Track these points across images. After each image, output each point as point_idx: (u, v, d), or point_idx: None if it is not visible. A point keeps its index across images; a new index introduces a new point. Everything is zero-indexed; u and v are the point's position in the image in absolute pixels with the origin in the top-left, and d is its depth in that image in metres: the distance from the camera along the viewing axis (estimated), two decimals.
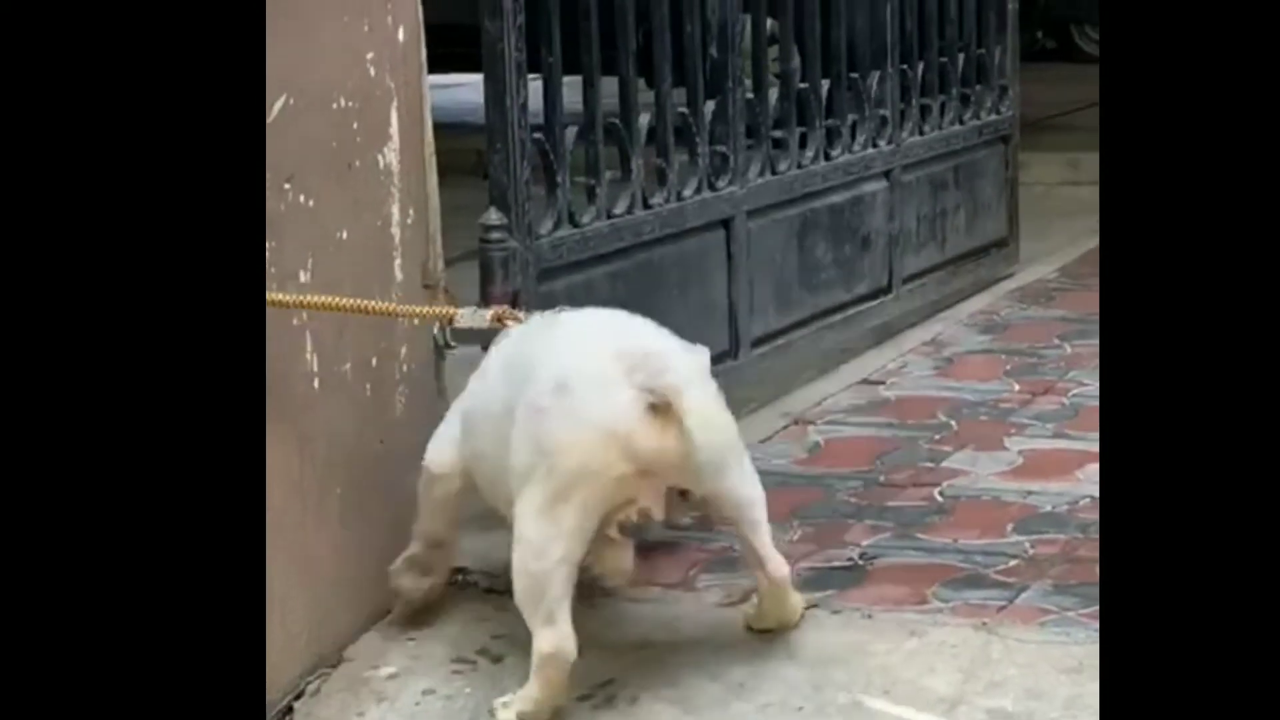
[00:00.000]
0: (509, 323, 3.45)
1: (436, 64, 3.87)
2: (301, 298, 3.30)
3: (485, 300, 3.87)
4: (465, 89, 8.93)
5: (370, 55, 3.51)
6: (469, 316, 3.54)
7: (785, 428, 4.58)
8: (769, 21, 5.02)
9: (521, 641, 3.45)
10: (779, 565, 3.31)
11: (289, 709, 3.33)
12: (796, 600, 3.39)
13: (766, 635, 3.40)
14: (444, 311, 3.53)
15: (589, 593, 3.42)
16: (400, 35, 3.59)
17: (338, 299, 3.35)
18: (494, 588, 3.63)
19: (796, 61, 5.12)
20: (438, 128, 3.86)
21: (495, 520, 3.79)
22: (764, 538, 3.28)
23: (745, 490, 3.26)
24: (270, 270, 3.26)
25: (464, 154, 6.57)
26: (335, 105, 3.42)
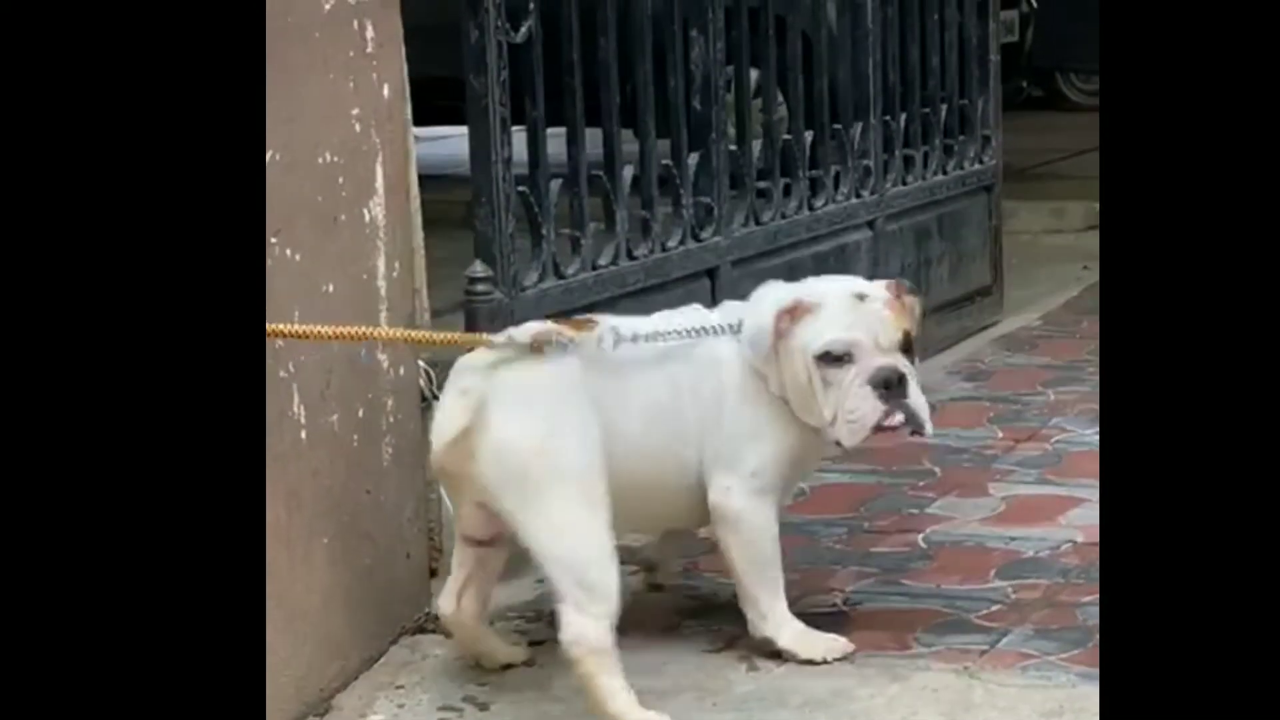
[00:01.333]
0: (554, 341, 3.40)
1: (424, 117, 3.91)
2: (305, 328, 3.30)
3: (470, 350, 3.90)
4: (453, 141, 9.00)
5: (355, 111, 3.55)
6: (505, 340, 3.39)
7: None
8: (752, 73, 5.07)
9: (507, 688, 3.50)
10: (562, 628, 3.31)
11: None
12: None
13: (754, 681, 3.43)
14: (478, 338, 3.47)
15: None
16: (385, 92, 3.64)
17: (344, 329, 3.33)
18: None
19: (780, 112, 5.17)
20: (426, 180, 3.90)
21: None
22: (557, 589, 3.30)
23: (537, 535, 3.29)
24: None
25: (452, 206, 6.60)
26: (321, 160, 3.47)
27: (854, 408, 3.39)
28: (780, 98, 5.20)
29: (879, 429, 3.45)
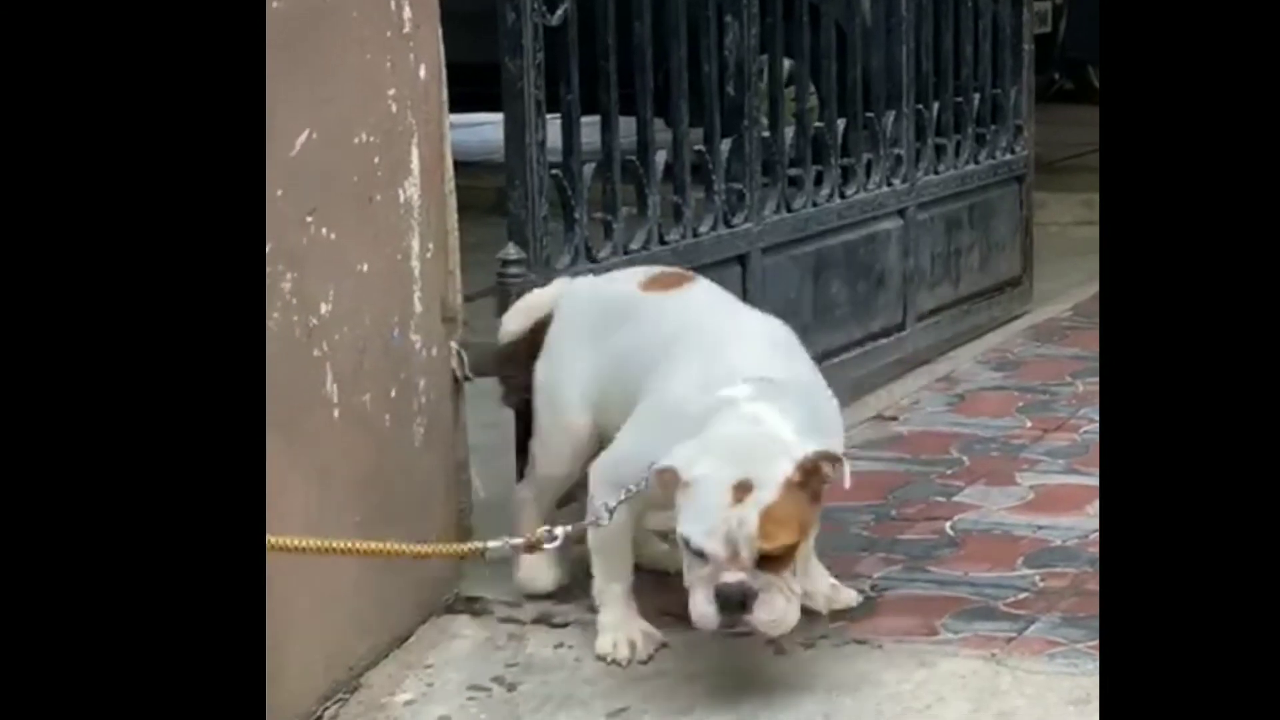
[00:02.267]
0: (545, 547, 3.43)
1: (459, 103, 3.92)
2: (305, 541, 3.18)
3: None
4: (487, 128, 9.01)
5: (392, 92, 3.57)
6: (499, 549, 3.41)
7: None
8: (786, 61, 5.07)
9: (536, 669, 3.51)
10: None
11: None
12: None
13: (780, 665, 3.44)
14: (473, 548, 3.44)
15: None
16: (422, 73, 3.65)
17: (350, 543, 3.23)
18: (510, 616, 3.68)
19: (812, 100, 5.18)
20: (460, 166, 3.92)
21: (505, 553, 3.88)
22: None
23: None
24: (292, 301, 3.31)
25: (485, 192, 6.63)
26: (357, 140, 3.48)
27: (694, 605, 3.27)
28: (812, 85, 5.20)
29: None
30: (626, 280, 3.83)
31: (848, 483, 3.32)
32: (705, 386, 3.40)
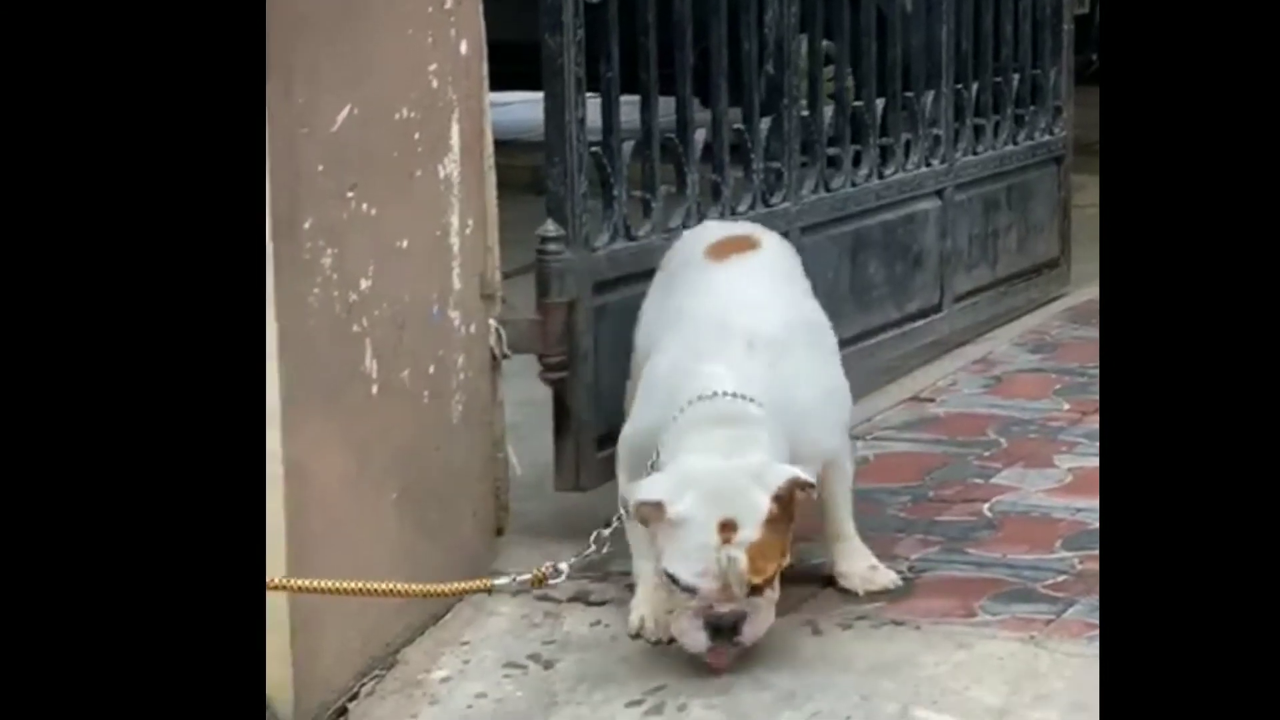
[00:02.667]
0: (550, 583, 3.46)
1: (494, 82, 3.91)
2: (310, 582, 3.20)
3: (541, 310, 3.92)
4: (521, 106, 9.01)
5: (433, 67, 3.56)
6: (508, 585, 3.44)
7: None
8: (824, 40, 5.05)
9: (572, 648, 3.51)
10: None
11: (343, 710, 3.37)
12: None
13: (818, 645, 3.44)
14: (480, 585, 3.44)
15: None
16: (463, 48, 3.64)
17: (350, 584, 3.24)
18: (547, 595, 3.67)
19: (848, 80, 5.16)
20: (494, 143, 3.91)
21: (541, 530, 3.88)
22: None
23: None
24: (332, 277, 3.31)
25: (519, 170, 6.62)
26: (398, 116, 3.48)
27: (682, 631, 3.33)
28: (848, 64, 5.18)
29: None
30: (699, 239, 3.95)
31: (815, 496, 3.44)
32: (683, 373, 3.48)
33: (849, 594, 3.65)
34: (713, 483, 3.31)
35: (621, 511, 3.48)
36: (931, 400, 5.00)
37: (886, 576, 3.68)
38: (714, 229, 4.06)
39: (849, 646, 3.45)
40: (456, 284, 3.67)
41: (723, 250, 3.84)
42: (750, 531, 3.27)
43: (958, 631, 3.47)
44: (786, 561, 3.39)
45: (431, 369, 3.60)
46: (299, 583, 3.15)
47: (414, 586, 3.34)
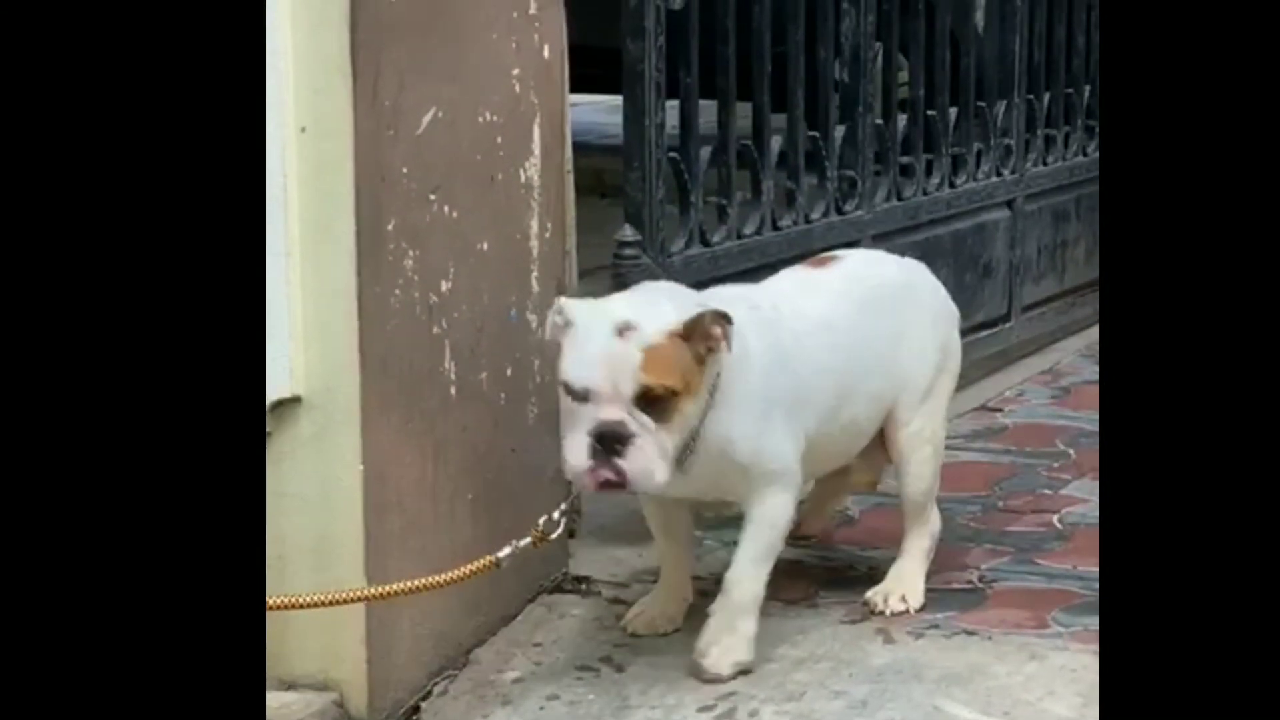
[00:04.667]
0: (551, 537, 3.42)
1: (574, 84, 3.94)
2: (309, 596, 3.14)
3: None
4: (587, 109, 9.02)
5: (516, 72, 3.58)
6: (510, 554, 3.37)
7: None
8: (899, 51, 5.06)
9: (644, 650, 3.52)
10: None
11: (415, 709, 3.39)
12: None
13: (890, 654, 3.45)
14: (487, 561, 3.34)
15: None
16: (546, 53, 3.66)
17: (340, 593, 3.17)
18: (618, 597, 3.69)
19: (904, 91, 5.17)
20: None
21: (611, 533, 3.89)
22: None
23: None
24: (414, 279, 3.33)
25: (584, 173, 6.63)
26: (481, 119, 3.50)
27: (566, 450, 3.24)
28: (925, 74, 5.18)
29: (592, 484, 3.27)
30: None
31: (727, 348, 3.26)
32: None
33: (924, 602, 3.65)
34: (625, 297, 3.32)
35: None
36: (999, 410, 5.00)
37: (904, 601, 3.68)
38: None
39: (921, 655, 3.46)
40: (535, 287, 3.69)
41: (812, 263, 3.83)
42: (649, 333, 3.19)
43: (1030, 642, 3.48)
44: (692, 403, 3.25)
45: (509, 371, 3.62)
46: (291, 599, 3.12)
47: (422, 581, 3.25)
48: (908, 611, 3.64)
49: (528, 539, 3.36)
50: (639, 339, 3.19)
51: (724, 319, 3.23)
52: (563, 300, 3.30)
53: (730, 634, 3.42)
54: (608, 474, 3.21)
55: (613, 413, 3.18)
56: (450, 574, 3.28)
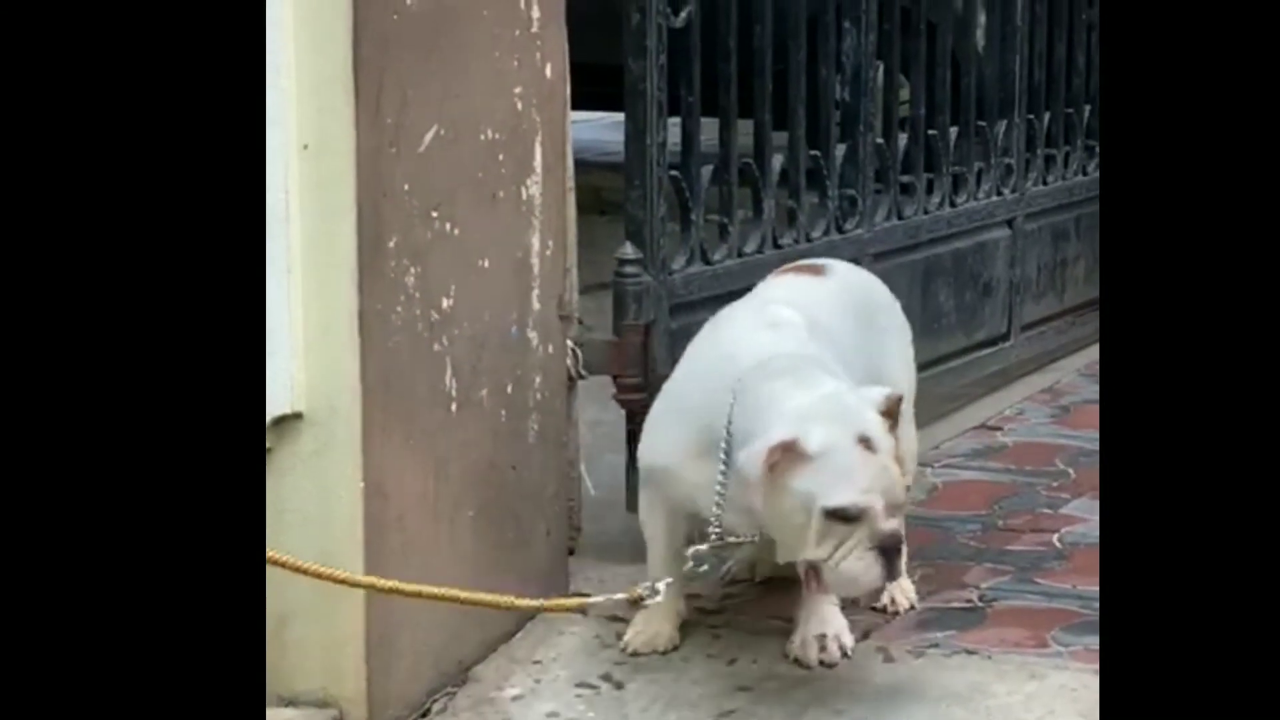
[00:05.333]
0: (647, 603, 3.45)
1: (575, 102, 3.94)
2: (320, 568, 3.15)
3: (618, 332, 3.94)
4: (585, 126, 9.03)
5: (518, 90, 3.59)
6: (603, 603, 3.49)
7: None
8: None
9: (644, 668, 3.52)
10: None
11: None
12: None
13: (891, 673, 3.45)
14: (577, 603, 3.53)
15: None
16: (548, 72, 3.67)
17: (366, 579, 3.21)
18: (618, 614, 3.69)
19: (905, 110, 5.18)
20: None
21: (611, 551, 3.89)
22: None
23: None
24: (415, 295, 3.34)
25: (583, 191, 6.63)
26: (483, 137, 3.50)
27: (855, 572, 3.24)
28: (925, 93, 5.19)
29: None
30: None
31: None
32: (727, 355, 3.46)
33: (923, 621, 3.65)
34: (827, 409, 3.27)
35: (645, 531, 3.55)
36: (999, 429, 5.01)
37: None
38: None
39: (921, 674, 3.46)
40: (536, 304, 3.69)
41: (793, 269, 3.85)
42: (885, 442, 3.25)
43: (1029, 662, 3.48)
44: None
45: (510, 388, 3.63)
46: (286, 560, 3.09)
47: (506, 599, 3.31)
48: (912, 607, 3.67)
49: (623, 595, 3.42)
50: (885, 450, 3.25)
51: (899, 398, 3.35)
52: (785, 429, 3.24)
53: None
54: (887, 582, 3.33)
55: (889, 525, 3.25)
56: (535, 603, 3.39)
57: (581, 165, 4.72)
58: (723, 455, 3.33)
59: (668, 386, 3.60)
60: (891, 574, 3.27)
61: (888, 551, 3.24)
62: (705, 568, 3.42)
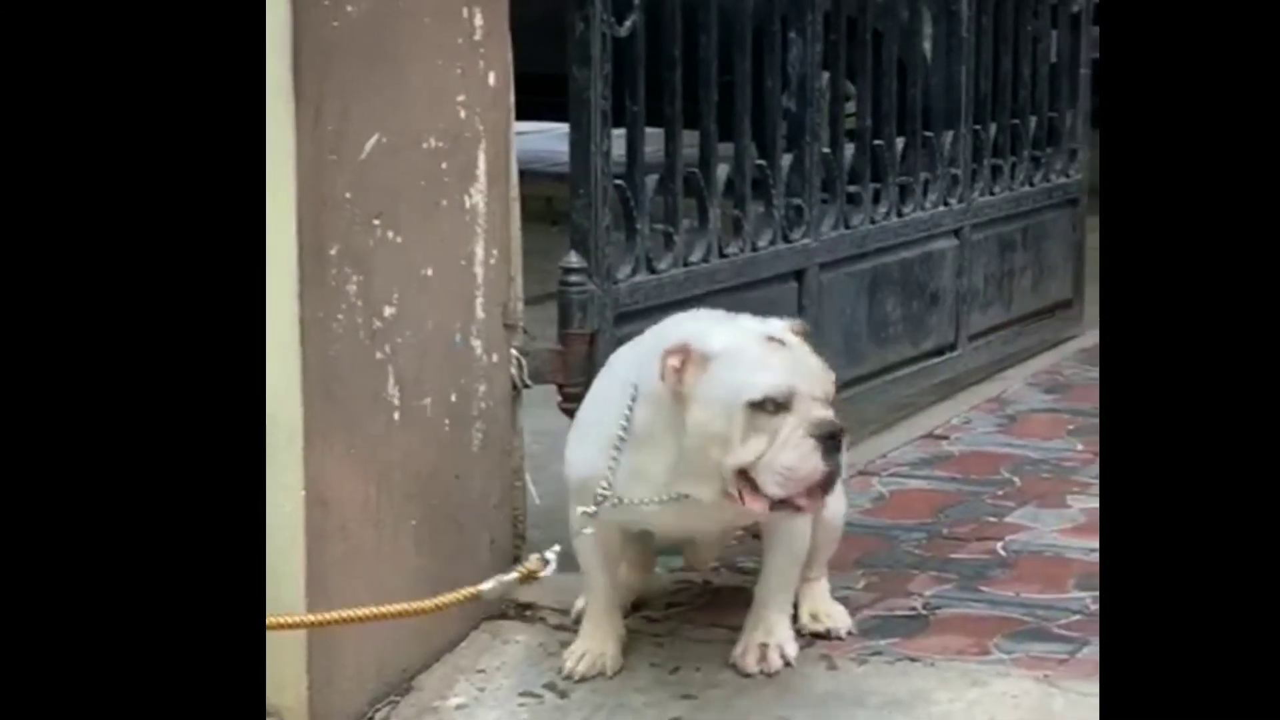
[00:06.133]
0: (540, 575, 3.29)
1: (523, 112, 3.94)
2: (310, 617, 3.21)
3: (562, 340, 3.94)
4: (536, 137, 9.03)
5: (461, 98, 3.59)
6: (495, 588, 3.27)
7: (850, 478, 4.62)
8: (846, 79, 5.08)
9: (588, 677, 3.51)
10: None
11: None
12: None
13: (833, 680, 3.45)
14: (469, 593, 3.26)
15: None
16: (491, 80, 3.67)
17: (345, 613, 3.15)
18: (563, 624, 3.68)
19: (851, 122, 5.19)
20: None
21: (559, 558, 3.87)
22: None
23: None
24: (357, 304, 3.34)
25: (533, 200, 6.64)
26: (425, 145, 3.50)
27: (792, 462, 3.12)
28: (872, 104, 5.20)
29: (789, 504, 3.18)
30: None
31: None
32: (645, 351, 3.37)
33: (867, 629, 3.65)
34: (724, 323, 3.25)
35: (575, 544, 3.43)
36: (945, 438, 5.01)
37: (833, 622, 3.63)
38: None
39: (863, 682, 3.46)
40: (480, 313, 3.69)
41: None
42: (797, 343, 3.18)
43: (972, 669, 3.48)
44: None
45: (453, 397, 3.62)
46: (295, 619, 3.13)
47: (402, 607, 3.22)
48: (850, 633, 3.63)
49: (514, 575, 3.29)
50: (799, 345, 3.17)
51: (806, 327, 3.27)
52: (684, 338, 3.20)
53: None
54: (829, 471, 3.14)
55: (826, 411, 3.13)
56: (428, 602, 3.23)
57: (532, 175, 4.75)
58: (625, 413, 3.29)
59: (581, 406, 3.56)
60: (832, 467, 3.13)
61: (825, 441, 3.12)
62: (589, 530, 3.33)
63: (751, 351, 3.18)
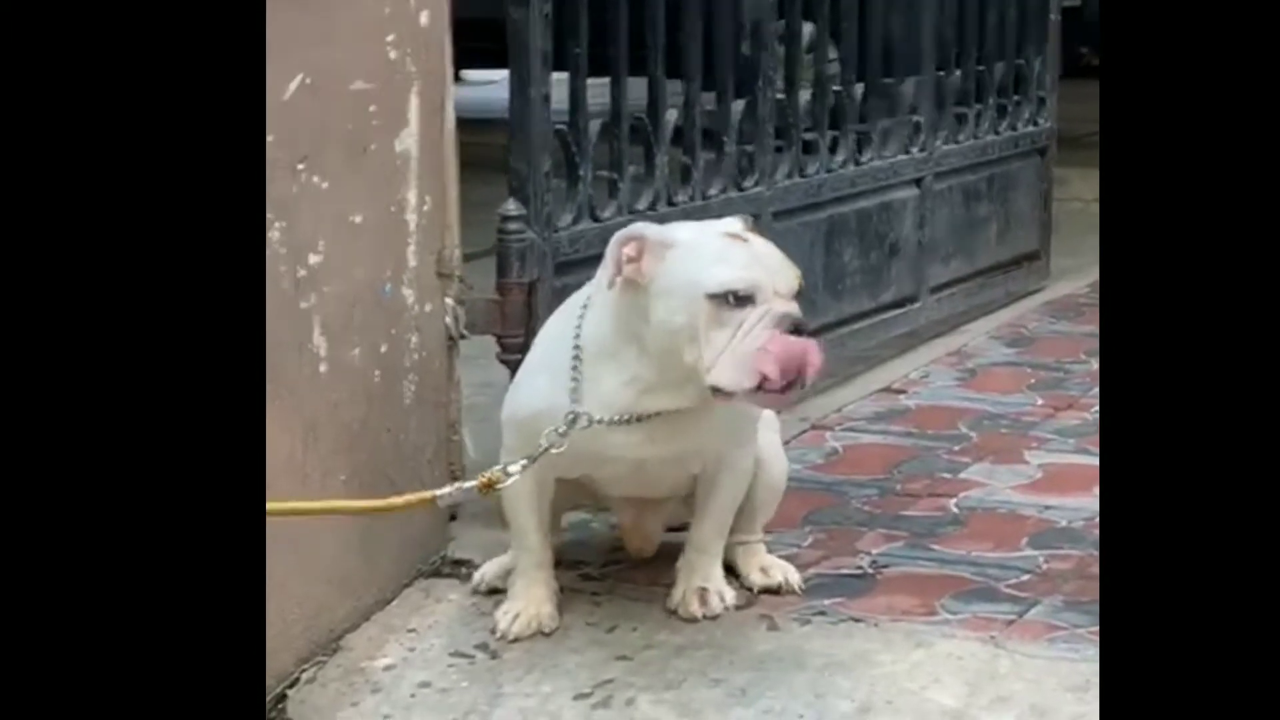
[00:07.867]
0: (499, 487, 3.19)
1: (476, 60, 3.83)
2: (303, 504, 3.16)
3: (500, 290, 3.83)
4: (499, 86, 8.91)
5: (390, 38, 3.46)
6: (452, 493, 3.19)
7: (803, 433, 4.52)
8: (807, 26, 4.95)
9: (522, 637, 3.41)
10: None
11: (282, 696, 3.28)
12: None
13: (774, 641, 3.34)
14: (425, 497, 3.19)
15: None
16: (423, 19, 3.54)
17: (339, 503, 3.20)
18: (495, 587, 3.58)
19: (834, 68, 5.06)
20: (471, 123, 3.80)
21: (495, 515, 3.75)
22: None
23: None
24: (280, 251, 3.21)
25: (490, 149, 6.53)
26: (352, 87, 3.38)
27: (763, 352, 2.98)
28: (833, 50, 5.08)
29: (764, 389, 3.02)
30: None
31: None
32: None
33: (811, 589, 3.55)
34: (686, 223, 3.18)
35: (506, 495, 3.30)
36: (903, 392, 4.91)
37: (776, 576, 3.55)
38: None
39: (805, 643, 3.35)
40: (412, 261, 3.57)
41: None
42: (757, 238, 3.11)
43: (917, 630, 3.38)
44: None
45: (384, 348, 3.51)
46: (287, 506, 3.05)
47: (356, 504, 3.22)
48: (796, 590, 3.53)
49: (473, 483, 3.17)
50: (759, 241, 3.08)
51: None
52: (642, 227, 3.10)
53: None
54: (791, 390, 3.03)
55: (791, 306, 3.03)
56: (385, 502, 3.19)
57: (488, 124, 4.64)
58: (575, 328, 3.19)
59: (526, 358, 3.45)
60: (808, 347, 3.00)
61: (798, 330, 3.01)
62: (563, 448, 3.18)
63: (711, 244, 3.08)
